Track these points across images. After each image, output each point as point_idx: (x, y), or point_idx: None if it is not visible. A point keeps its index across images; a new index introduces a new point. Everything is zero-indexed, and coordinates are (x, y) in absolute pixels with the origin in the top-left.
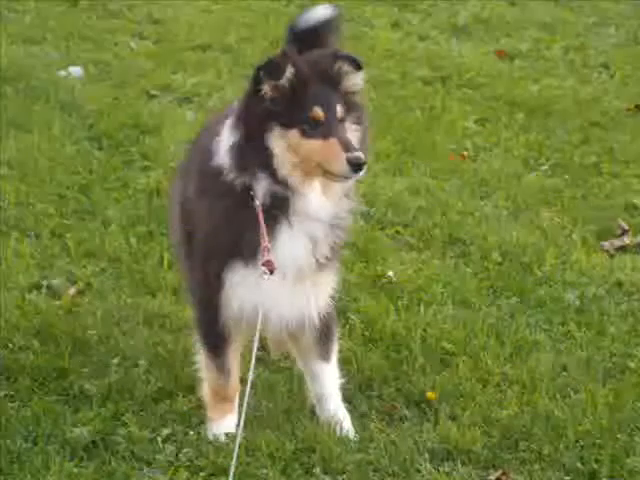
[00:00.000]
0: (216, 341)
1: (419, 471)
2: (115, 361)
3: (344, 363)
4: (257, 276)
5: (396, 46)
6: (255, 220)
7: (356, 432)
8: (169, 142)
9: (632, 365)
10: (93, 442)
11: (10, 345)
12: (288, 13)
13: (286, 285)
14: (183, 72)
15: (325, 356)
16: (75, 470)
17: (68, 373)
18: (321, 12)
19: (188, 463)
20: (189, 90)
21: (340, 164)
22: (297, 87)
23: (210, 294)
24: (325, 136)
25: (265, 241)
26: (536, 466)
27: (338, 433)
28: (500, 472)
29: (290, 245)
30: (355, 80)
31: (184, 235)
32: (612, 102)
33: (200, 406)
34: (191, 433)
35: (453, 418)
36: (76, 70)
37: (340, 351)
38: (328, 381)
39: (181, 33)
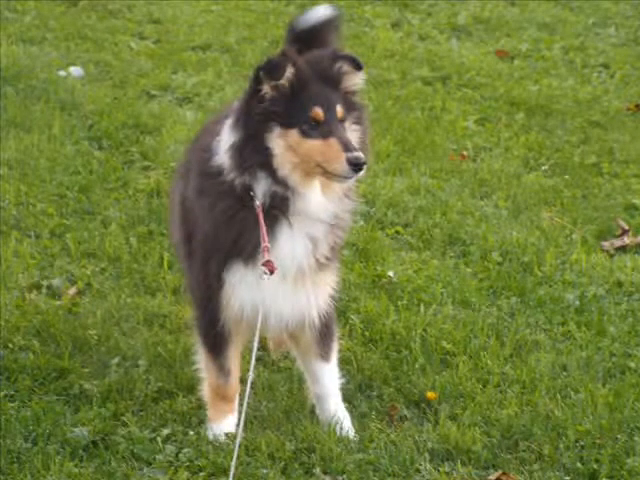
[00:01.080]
0: (216, 341)
1: (419, 471)
2: (115, 361)
3: (344, 363)
4: (257, 276)
5: (396, 46)
6: (255, 220)
7: (356, 432)
8: (169, 142)
9: (632, 365)
10: (93, 442)
11: (10, 345)
12: (288, 13)
13: (286, 285)
14: (183, 72)
15: (325, 356)
16: (75, 470)
17: (68, 373)
18: (321, 12)
19: (188, 463)
20: (189, 90)
21: (340, 164)
22: (297, 87)
23: (210, 294)
24: (325, 136)
25: (265, 241)
26: (536, 466)
27: (338, 433)
28: (500, 472)
29: (290, 245)
30: (355, 80)
31: (184, 235)
32: (612, 102)
33: (200, 406)
34: (191, 433)
35: (453, 418)
36: (76, 70)
37: (340, 351)
38: (328, 381)
39: (181, 33)
